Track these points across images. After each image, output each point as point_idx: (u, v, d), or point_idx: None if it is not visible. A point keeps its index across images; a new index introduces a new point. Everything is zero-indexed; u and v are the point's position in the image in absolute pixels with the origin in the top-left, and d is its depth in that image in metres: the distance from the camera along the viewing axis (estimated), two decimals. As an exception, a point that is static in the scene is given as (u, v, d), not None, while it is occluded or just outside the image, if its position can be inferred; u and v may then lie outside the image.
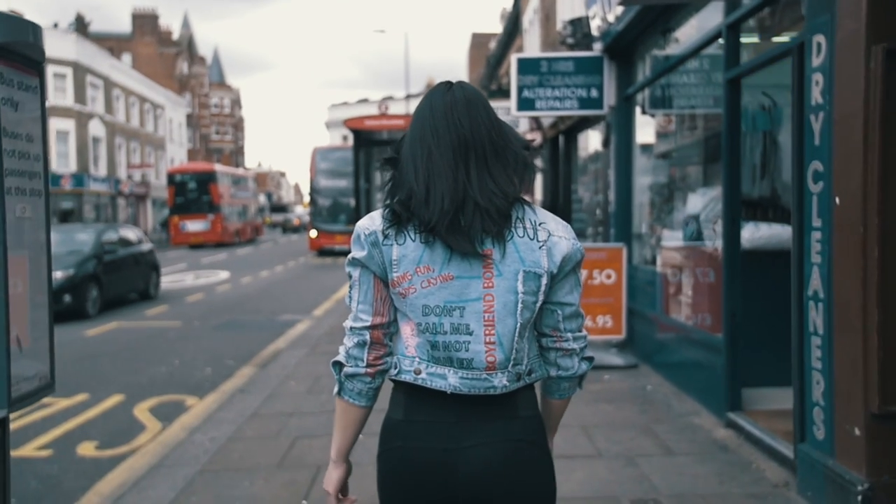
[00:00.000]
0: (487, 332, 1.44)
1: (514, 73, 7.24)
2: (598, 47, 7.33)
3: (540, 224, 1.48)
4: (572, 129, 10.64)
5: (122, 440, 5.00)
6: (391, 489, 1.53)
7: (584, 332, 1.57)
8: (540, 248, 1.45)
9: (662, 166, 6.98)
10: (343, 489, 1.61)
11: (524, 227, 1.46)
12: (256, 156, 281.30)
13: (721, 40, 4.76)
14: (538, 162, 11.61)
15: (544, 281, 1.45)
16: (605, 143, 7.58)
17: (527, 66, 7.18)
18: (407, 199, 1.44)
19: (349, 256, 1.51)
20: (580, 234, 10.63)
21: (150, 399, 6.06)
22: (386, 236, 1.45)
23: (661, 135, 7.05)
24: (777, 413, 4.31)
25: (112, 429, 5.29)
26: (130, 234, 13.68)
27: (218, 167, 37.43)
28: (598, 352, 6.54)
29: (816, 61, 3.24)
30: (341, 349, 1.53)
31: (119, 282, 12.22)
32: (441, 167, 1.43)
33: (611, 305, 6.56)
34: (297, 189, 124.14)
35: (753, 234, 4.82)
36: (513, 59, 7.21)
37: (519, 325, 1.45)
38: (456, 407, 1.47)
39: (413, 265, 1.44)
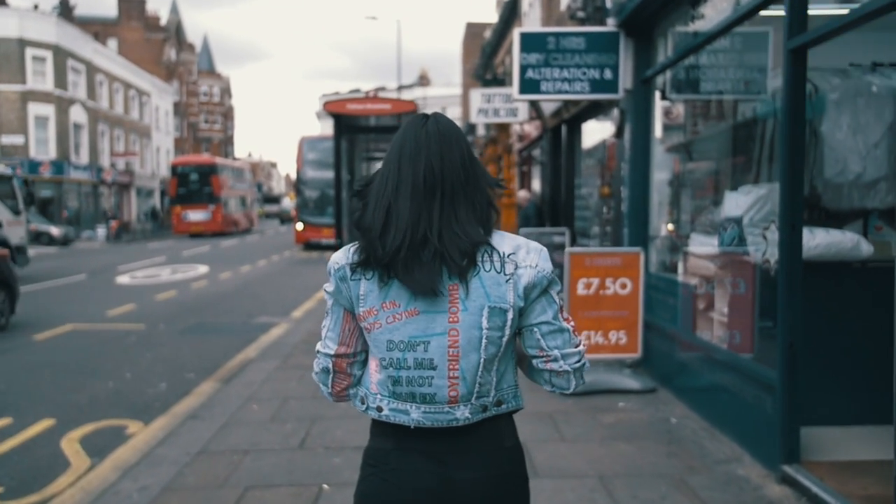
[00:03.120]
0: (451, 366, 1.43)
1: (517, 51, 6.33)
2: (611, 23, 6.43)
3: (508, 256, 1.45)
4: (577, 118, 9.74)
5: (34, 485, 4.08)
6: None
7: (577, 349, 1.49)
8: (507, 281, 1.43)
9: (686, 159, 6.09)
10: None
11: (491, 261, 1.44)
12: (247, 146, 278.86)
13: (780, 5, 3.87)
14: (536, 153, 10.66)
15: (510, 315, 1.44)
16: (619, 132, 6.69)
17: (531, 42, 6.27)
18: (366, 229, 1.44)
19: (325, 286, 1.54)
20: (583, 235, 9.75)
21: (85, 425, 5.14)
22: (354, 271, 1.46)
23: (685, 123, 6.16)
24: (850, 467, 3.45)
25: (28, 466, 4.37)
26: None
27: (219, 160, 39.19)
28: (610, 373, 5.67)
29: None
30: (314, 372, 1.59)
31: None
32: (403, 205, 1.43)
33: (625, 319, 5.68)
34: (288, 180, 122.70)
35: (808, 241, 3.94)
36: (515, 33, 6.30)
37: (483, 359, 1.44)
38: (439, 437, 1.47)
39: (379, 301, 1.45)
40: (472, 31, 40.65)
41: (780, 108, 3.75)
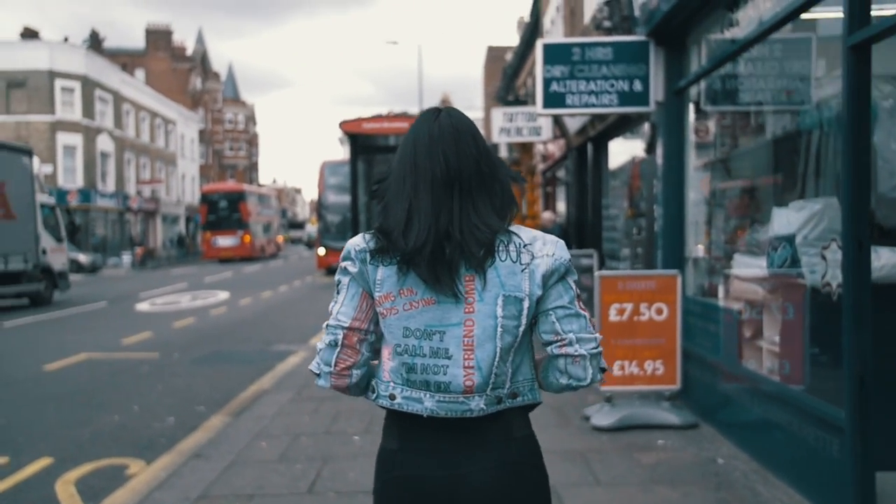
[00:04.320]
0: (466, 356, 1.43)
1: (540, 64, 6.00)
2: (640, 32, 6.08)
3: (525, 246, 1.45)
4: (603, 135, 9.36)
5: (20, 535, 3.75)
6: None
7: (593, 335, 1.46)
8: (522, 271, 1.43)
9: (723, 175, 5.68)
10: None
11: (507, 251, 1.44)
12: (271, 172, 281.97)
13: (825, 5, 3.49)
14: (561, 174, 10.27)
15: (526, 305, 1.43)
16: (650, 147, 6.30)
17: (555, 53, 5.93)
18: (388, 231, 1.44)
19: (340, 266, 1.51)
20: (612, 257, 9.32)
21: (84, 465, 4.82)
22: (373, 256, 1.46)
23: (722, 137, 5.76)
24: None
25: (18, 513, 4.05)
26: None
27: (247, 187, 40.82)
28: (647, 407, 5.23)
29: None
30: (317, 352, 1.54)
31: None
32: (424, 201, 1.43)
33: (662, 348, 5.24)
34: (312, 206, 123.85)
35: (873, 262, 3.50)
36: (538, 45, 5.98)
37: (499, 349, 1.43)
38: (448, 432, 1.46)
39: (397, 287, 1.45)
40: (494, 54, 40.68)
41: (842, 112, 3.34)
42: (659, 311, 5.24)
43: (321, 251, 23.59)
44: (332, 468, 4.40)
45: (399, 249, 1.42)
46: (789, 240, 3.86)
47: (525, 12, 21.60)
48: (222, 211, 35.99)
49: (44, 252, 15.64)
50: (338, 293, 1.52)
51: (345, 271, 1.50)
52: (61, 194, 32.56)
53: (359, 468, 4.30)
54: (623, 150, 9.14)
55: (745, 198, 5.54)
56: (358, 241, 1.50)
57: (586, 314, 1.48)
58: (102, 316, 13.88)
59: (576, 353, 1.45)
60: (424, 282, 1.42)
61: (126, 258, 32.64)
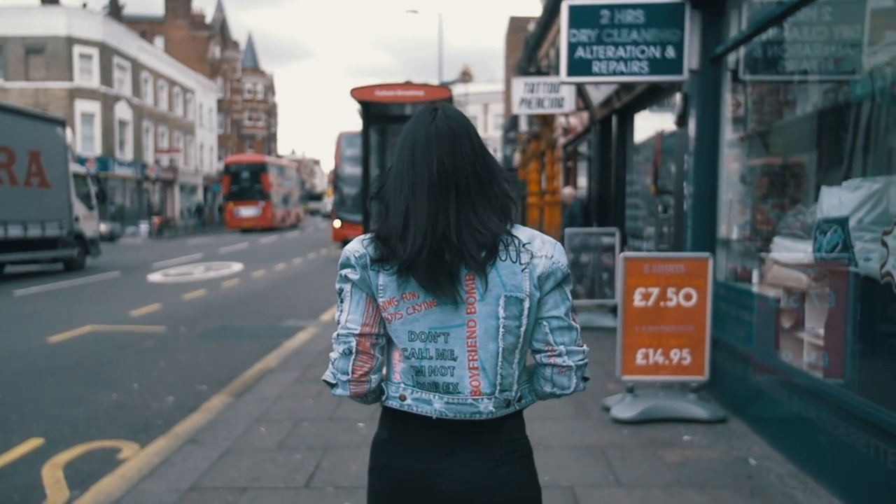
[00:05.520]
0: (471, 357, 1.44)
1: (565, 28, 5.56)
2: (675, -5, 5.60)
3: (524, 246, 1.45)
4: (629, 108, 8.88)
5: (-3, 526, 3.52)
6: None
7: (583, 348, 1.50)
8: (522, 270, 1.44)
9: (762, 150, 5.24)
10: None
11: (507, 251, 1.44)
12: (290, 143, 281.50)
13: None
14: (583, 148, 9.82)
15: (527, 304, 1.44)
16: (681, 119, 5.86)
17: (582, 15, 5.48)
18: (386, 237, 1.44)
19: (341, 274, 1.50)
20: (635, 236, 8.90)
21: (75, 447, 4.58)
22: (373, 261, 1.46)
23: (762, 109, 5.31)
24: None
25: (-1, 500, 3.82)
26: None
27: (269, 159, 41.33)
28: (672, 398, 4.88)
29: None
30: (330, 363, 1.53)
31: None
32: (421, 204, 1.42)
33: (690, 336, 4.88)
34: (330, 177, 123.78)
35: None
36: (564, 7, 5.53)
37: (501, 349, 1.44)
38: (438, 429, 1.47)
39: (399, 292, 1.45)
40: (516, 25, 39.76)
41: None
42: (688, 297, 4.86)
43: (337, 223, 23.33)
44: (333, 459, 4.11)
45: (398, 256, 1.41)
46: (841, 223, 3.45)
47: (549, -20, 20.84)
48: (244, 182, 36.64)
49: (76, 219, 16.22)
50: (342, 301, 1.51)
51: (345, 279, 1.50)
52: (79, 161, 32.55)
53: (361, 459, 4.02)
54: (650, 124, 8.67)
55: (786, 175, 5.11)
56: (357, 247, 1.49)
57: (578, 326, 1.51)
58: (113, 286, 13.74)
59: (563, 364, 1.48)
60: (424, 287, 1.42)
61: (143, 227, 32.64)
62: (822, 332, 3.77)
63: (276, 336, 8.36)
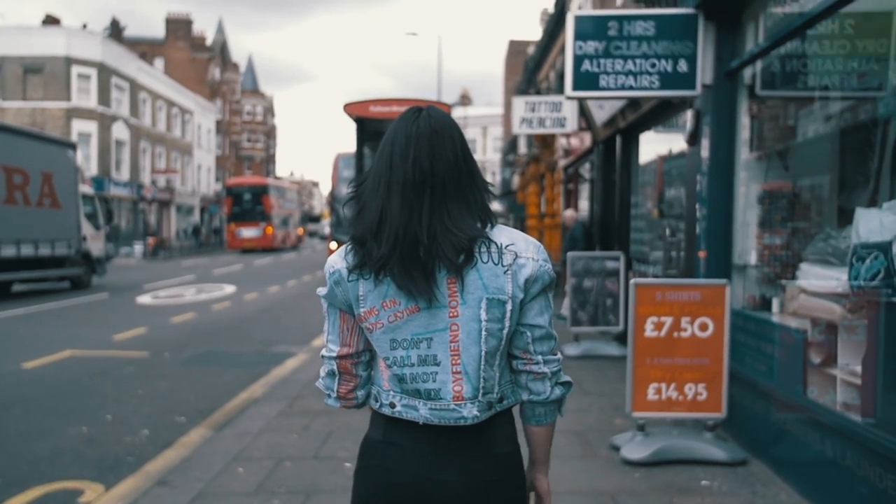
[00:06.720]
0: (454, 361, 1.42)
1: (570, 40, 5.25)
2: (687, 5, 5.31)
3: (506, 247, 1.42)
4: (634, 127, 8.58)
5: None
6: None
7: (558, 356, 1.51)
8: (505, 272, 1.41)
9: (781, 170, 4.91)
10: None
11: (489, 253, 1.41)
12: (289, 165, 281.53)
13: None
14: (584, 170, 9.47)
15: (509, 307, 1.41)
16: (692, 138, 5.54)
17: (589, 27, 5.18)
18: (362, 239, 1.42)
19: (319, 292, 1.52)
20: (641, 260, 8.54)
21: (32, 489, 4.17)
22: (351, 272, 1.44)
23: (781, 126, 4.99)
24: None
25: (-62, 552, 3.40)
26: None
27: (270, 181, 42.10)
28: (687, 437, 4.49)
29: None
30: (321, 377, 1.57)
31: None
32: (395, 204, 1.40)
33: (706, 369, 4.50)
34: (327, 199, 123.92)
35: None
36: (569, 18, 5.22)
37: (484, 352, 1.42)
38: (432, 436, 1.45)
39: (379, 300, 1.43)
40: (515, 48, 39.83)
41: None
42: (703, 327, 4.49)
43: (333, 245, 22.97)
44: (315, 506, 3.71)
45: (373, 257, 1.39)
46: (883, 248, 3.10)
47: (549, 3, 20.82)
48: (246, 203, 37.22)
49: (84, 238, 16.74)
50: (325, 320, 1.53)
51: (323, 297, 1.50)
52: (75, 182, 32.31)
53: (346, 508, 3.60)
54: (655, 148, 8.36)
55: (806, 197, 4.77)
56: (334, 261, 1.48)
57: (556, 335, 1.50)
58: (100, 308, 13.32)
59: (539, 371, 1.48)
60: (398, 287, 1.39)
61: (138, 248, 32.23)
62: (858, 368, 3.40)
63: (264, 363, 7.95)
